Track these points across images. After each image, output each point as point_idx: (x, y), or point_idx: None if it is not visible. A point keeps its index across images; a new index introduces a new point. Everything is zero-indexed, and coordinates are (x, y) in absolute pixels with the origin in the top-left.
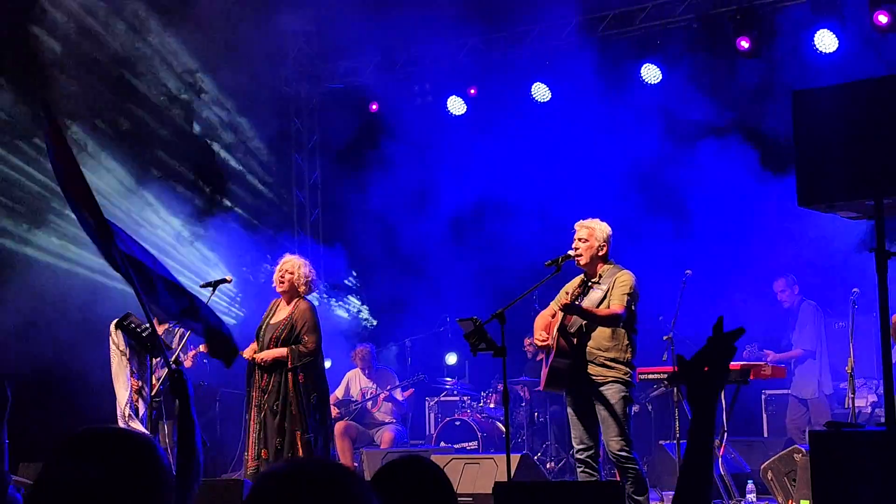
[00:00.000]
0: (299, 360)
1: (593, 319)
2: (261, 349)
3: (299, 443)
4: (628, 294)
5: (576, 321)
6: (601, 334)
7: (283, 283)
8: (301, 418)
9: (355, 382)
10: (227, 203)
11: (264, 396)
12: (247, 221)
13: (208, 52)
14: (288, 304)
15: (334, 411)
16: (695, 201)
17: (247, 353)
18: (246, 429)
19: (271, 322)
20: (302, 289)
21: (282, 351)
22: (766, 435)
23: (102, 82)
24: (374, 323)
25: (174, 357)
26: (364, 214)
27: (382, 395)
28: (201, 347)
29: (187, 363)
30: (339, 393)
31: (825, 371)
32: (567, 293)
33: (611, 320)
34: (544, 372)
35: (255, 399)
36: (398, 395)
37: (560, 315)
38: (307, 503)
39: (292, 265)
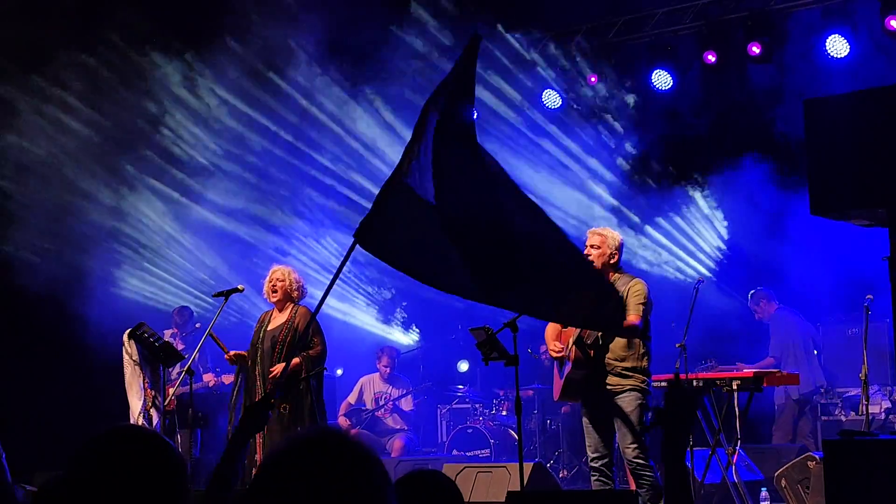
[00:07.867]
0: (313, 367)
1: (612, 332)
2: (263, 358)
3: None
4: (643, 304)
5: (592, 332)
6: (617, 344)
7: (275, 292)
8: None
9: (369, 388)
10: None
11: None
12: None
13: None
14: (281, 311)
15: (345, 421)
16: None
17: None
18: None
19: (268, 329)
20: (295, 294)
21: (294, 361)
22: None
23: None
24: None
25: (186, 366)
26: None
27: (387, 407)
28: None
29: (212, 382)
30: (351, 399)
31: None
32: None
33: (629, 332)
34: (558, 382)
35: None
36: (408, 403)
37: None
38: (317, 468)
39: (282, 273)
